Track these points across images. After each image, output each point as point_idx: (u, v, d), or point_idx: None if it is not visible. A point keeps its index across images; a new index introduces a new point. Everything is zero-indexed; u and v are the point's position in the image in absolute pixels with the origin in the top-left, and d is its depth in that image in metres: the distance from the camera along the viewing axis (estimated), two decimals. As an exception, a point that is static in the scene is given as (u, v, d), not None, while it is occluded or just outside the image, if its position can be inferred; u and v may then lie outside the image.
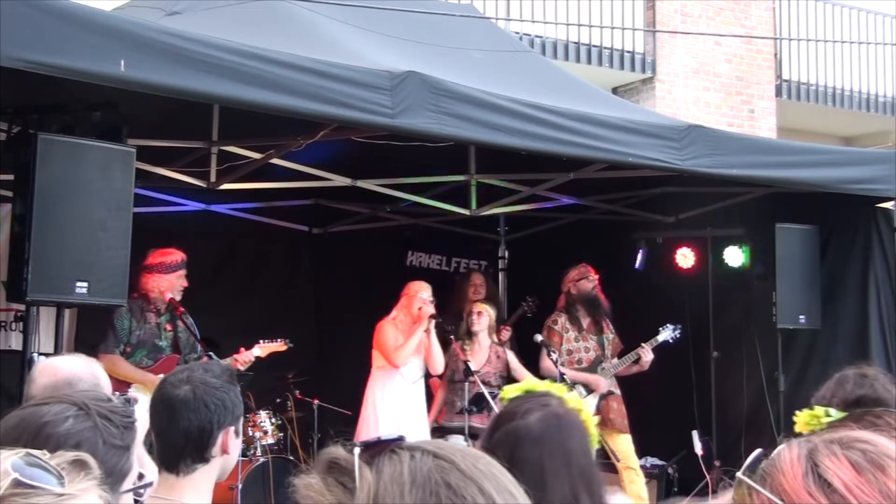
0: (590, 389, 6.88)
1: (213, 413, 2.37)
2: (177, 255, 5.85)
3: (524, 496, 1.02)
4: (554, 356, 6.65)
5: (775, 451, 1.14)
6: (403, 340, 6.27)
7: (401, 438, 1.04)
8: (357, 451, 1.02)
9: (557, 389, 2.10)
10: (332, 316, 7.88)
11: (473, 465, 1.00)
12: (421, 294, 6.35)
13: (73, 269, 4.28)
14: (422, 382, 6.45)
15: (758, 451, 1.16)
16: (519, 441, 1.93)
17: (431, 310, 6.31)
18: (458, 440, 6.44)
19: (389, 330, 6.34)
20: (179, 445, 2.36)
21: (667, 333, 6.99)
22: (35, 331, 4.52)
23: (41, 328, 4.69)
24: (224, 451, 2.40)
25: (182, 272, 5.84)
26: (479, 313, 6.74)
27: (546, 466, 1.90)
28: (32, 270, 4.17)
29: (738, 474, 1.13)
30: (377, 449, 1.02)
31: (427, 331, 6.29)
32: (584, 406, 2.10)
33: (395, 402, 6.27)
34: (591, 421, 2.06)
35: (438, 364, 6.43)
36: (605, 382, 6.85)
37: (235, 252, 7.80)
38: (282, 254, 8.12)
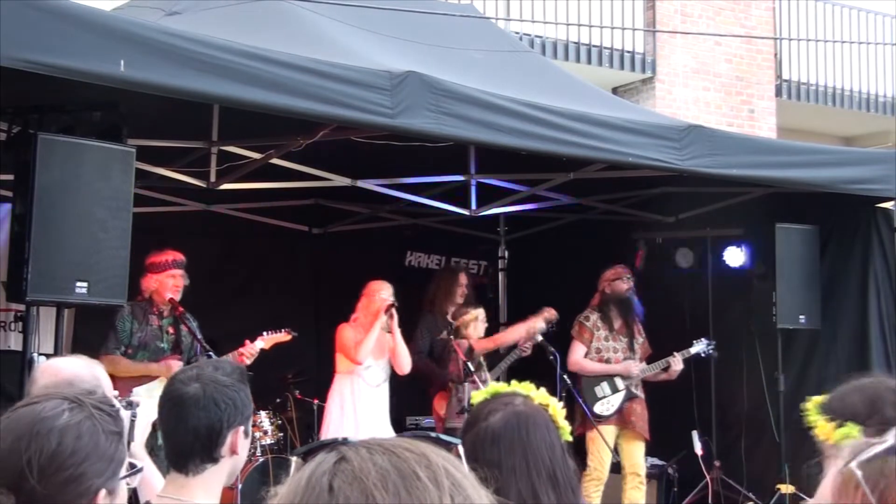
0: (615, 388, 6.88)
1: (222, 412, 2.32)
2: (169, 255, 5.82)
3: (438, 498, 0.99)
4: (552, 357, 6.65)
5: None
6: (363, 337, 6.23)
7: (342, 441, 1.06)
8: (294, 459, 1.05)
9: (524, 388, 2.11)
10: (331, 316, 7.88)
11: (366, 466, 0.98)
12: (381, 294, 6.31)
13: (73, 269, 4.28)
14: (386, 386, 6.38)
15: (889, 444, 1.12)
16: (480, 442, 1.97)
17: (389, 300, 6.26)
18: None
19: (348, 330, 6.31)
20: (188, 444, 2.32)
21: (700, 347, 7.01)
22: (35, 331, 4.52)
23: (41, 328, 4.68)
24: (233, 451, 2.35)
25: (174, 272, 5.80)
26: (483, 322, 6.78)
27: (504, 463, 1.93)
28: (32, 270, 4.17)
29: (852, 465, 1.11)
30: (315, 452, 1.04)
31: (391, 331, 6.26)
32: (552, 402, 2.11)
33: (356, 406, 6.21)
34: (559, 415, 2.07)
35: (405, 363, 6.37)
36: (636, 369, 6.87)
37: (235, 252, 7.79)
38: (282, 254, 8.11)
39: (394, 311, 6.26)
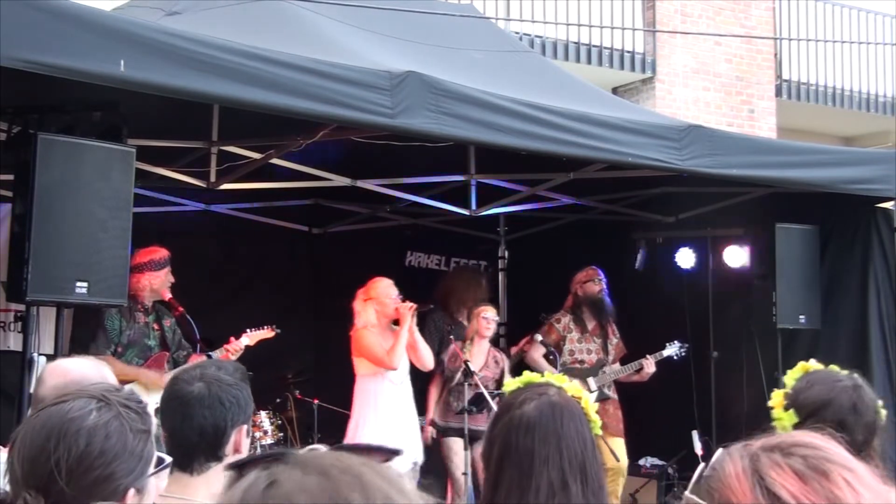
0: (588, 389, 6.90)
1: (227, 410, 2.33)
2: (162, 252, 5.85)
3: None
4: (551, 357, 6.66)
5: (716, 461, 1.13)
6: (392, 343, 6.10)
7: (277, 456, 1.03)
8: (228, 473, 1.04)
9: (557, 380, 2.12)
10: (331, 316, 7.88)
11: (296, 493, 0.95)
12: (391, 294, 6.20)
13: (73, 269, 4.28)
14: (408, 381, 6.31)
15: (701, 466, 1.15)
16: (513, 430, 1.97)
17: (411, 303, 6.15)
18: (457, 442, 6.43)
19: (371, 336, 6.14)
20: (193, 443, 2.32)
21: (673, 350, 7.05)
22: (35, 331, 4.52)
23: (41, 328, 4.68)
24: (236, 449, 2.36)
25: (169, 268, 5.85)
26: (489, 319, 6.69)
27: (537, 452, 1.93)
28: (32, 270, 4.17)
29: (686, 493, 1.13)
30: (253, 466, 1.01)
31: (410, 328, 6.13)
32: (585, 394, 2.11)
33: (385, 407, 6.13)
34: (591, 409, 2.08)
35: (427, 360, 6.29)
36: (588, 383, 6.87)
37: (235, 252, 7.79)
38: (281, 254, 8.11)
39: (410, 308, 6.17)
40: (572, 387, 2.10)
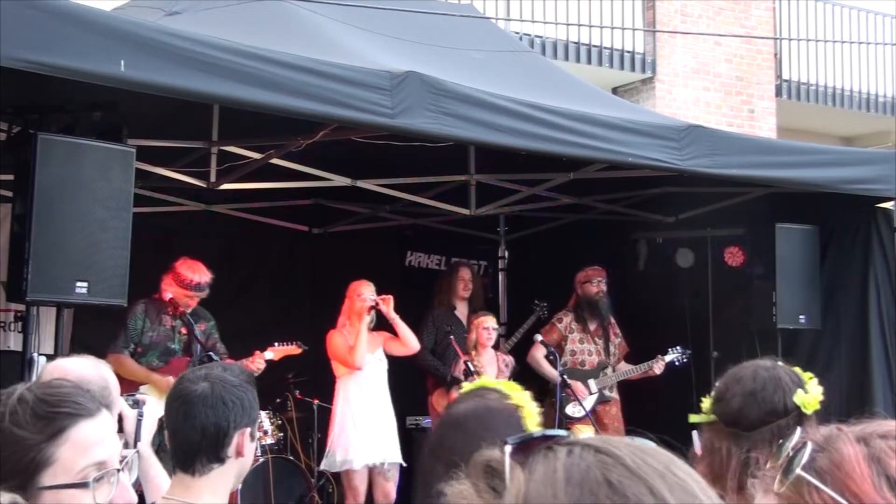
0: (588, 390, 6.90)
1: (230, 411, 2.31)
2: (201, 277, 5.80)
3: (714, 498, 0.90)
4: (551, 357, 6.65)
5: (826, 442, 1.12)
6: (354, 342, 6.24)
7: (560, 435, 0.94)
8: (508, 448, 0.92)
9: (508, 387, 2.12)
10: (331, 316, 7.89)
11: (643, 461, 0.88)
12: (362, 294, 6.33)
13: (73, 269, 4.28)
14: (385, 376, 6.40)
15: (810, 446, 1.13)
16: (443, 426, 2.00)
17: (370, 302, 6.28)
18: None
19: (338, 337, 6.32)
20: (195, 443, 2.30)
21: (675, 355, 7.06)
22: (35, 331, 4.52)
23: (41, 328, 4.68)
24: (239, 452, 2.34)
25: (197, 294, 5.81)
26: (489, 329, 6.72)
27: (464, 450, 1.93)
28: (32, 270, 4.17)
29: (798, 471, 1.11)
30: (532, 447, 0.92)
31: (390, 317, 6.29)
32: (529, 406, 2.12)
33: (362, 404, 6.26)
34: (530, 418, 2.08)
35: (412, 342, 6.41)
36: (582, 390, 6.88)
37: (235, 252, 7.79)
38: (282, 254, 8.11)
39: (383, 299, 6.28)
40: (518, 395, 2.11)
